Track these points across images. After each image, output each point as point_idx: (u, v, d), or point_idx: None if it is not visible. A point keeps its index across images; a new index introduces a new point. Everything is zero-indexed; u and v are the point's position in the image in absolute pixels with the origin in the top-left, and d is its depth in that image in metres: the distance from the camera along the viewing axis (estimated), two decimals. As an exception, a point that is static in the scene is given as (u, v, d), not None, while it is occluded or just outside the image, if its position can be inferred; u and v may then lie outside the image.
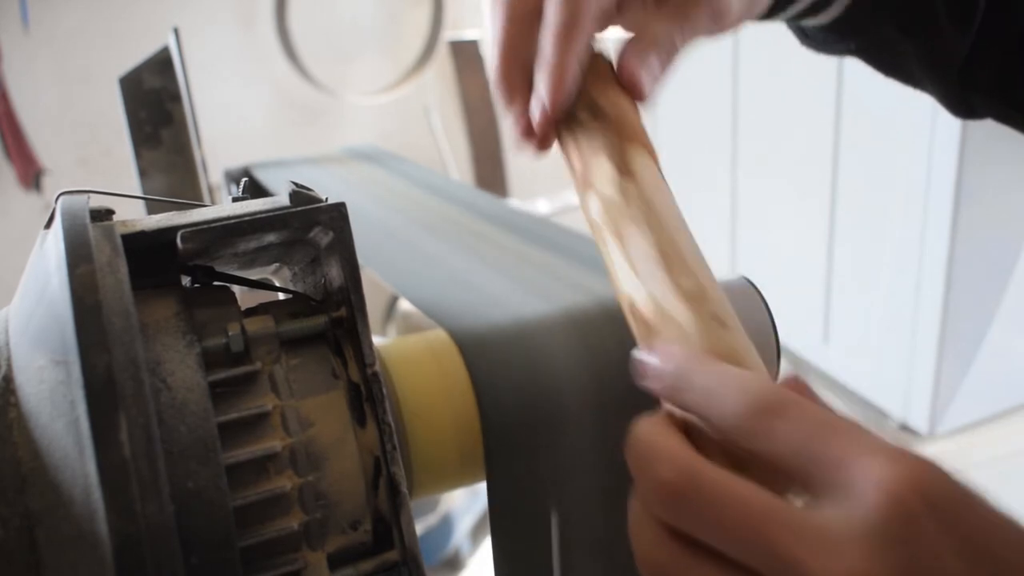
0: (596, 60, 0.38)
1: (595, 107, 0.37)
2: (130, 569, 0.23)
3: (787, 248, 1.44)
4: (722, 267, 1.58)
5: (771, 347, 0.39)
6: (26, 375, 0.27)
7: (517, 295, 0.40)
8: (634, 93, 0.37)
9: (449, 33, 2.31)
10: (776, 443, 0.23)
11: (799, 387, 0.26)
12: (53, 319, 0.26)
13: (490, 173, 2.43)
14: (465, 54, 2.37)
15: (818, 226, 1.34)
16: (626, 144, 0.35)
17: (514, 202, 2.15)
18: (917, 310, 1.20)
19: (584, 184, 0.36)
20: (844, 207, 1.30)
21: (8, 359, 0.28)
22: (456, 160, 2.36)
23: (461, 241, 0.49)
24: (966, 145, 1.10)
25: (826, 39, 0.49)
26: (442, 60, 2.35)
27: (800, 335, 1.42)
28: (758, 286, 0.41)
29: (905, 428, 1.26)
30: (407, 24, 2.29)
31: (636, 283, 0.32)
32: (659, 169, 0.35)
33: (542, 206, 2.25)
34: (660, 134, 1.75)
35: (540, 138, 0.37)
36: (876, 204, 1.24)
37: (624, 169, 0.35)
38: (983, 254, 1.17)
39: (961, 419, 1.25)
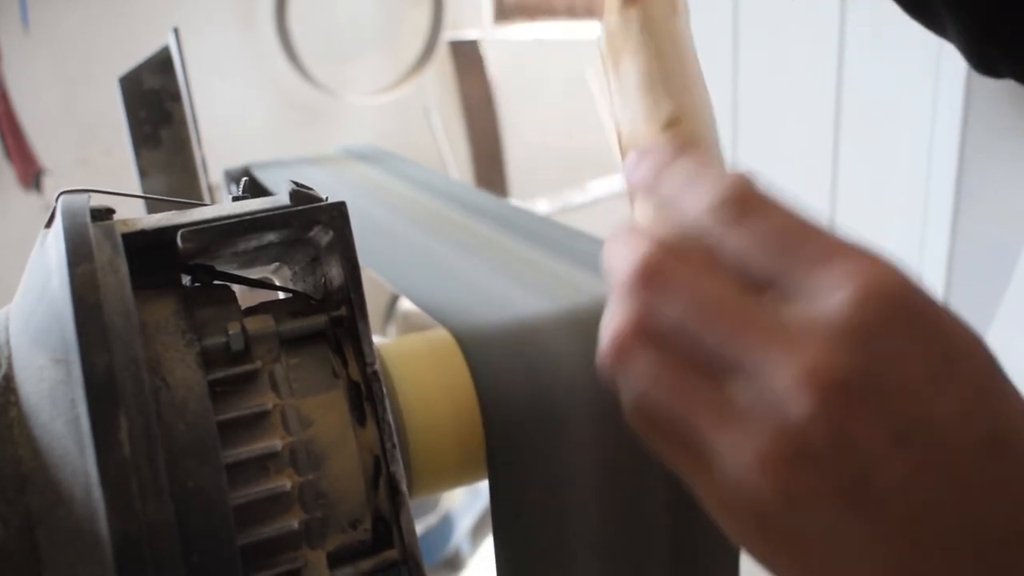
0: None
1: None
2: (130, 568, 0.23)
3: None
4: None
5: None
6: (26, 374, 0.27)
7: (518, 294, 0.40)
8: None
9: (449, 33, 2.31)
10: (746, 239, 0.22)
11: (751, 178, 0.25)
12: (53, 318, 0.26)
13: (490, 173, 2.44)
14: (465, 54, 2.37)
15: (818, 226, 1.34)
16: None
17: (514, 202, 2.15)
18: (917, 310, 1.20)
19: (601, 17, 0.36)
20: (844, 206, 1.30)
21: (8, 358, 0.28)
22: (456, 160, 2.36)
23: (461, 240, 0.49)
24: (966, 144, 1.10)
25: None
26: (442, 60, 2.35)
27: (800, 335, 1.42)
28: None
29: (905, 428, 1.26)
30: (407, 24, 2.30)
31: (620, 111, 0.32)
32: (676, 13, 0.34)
33: (542, 206, 2.25)
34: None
35: None
36: (876, 203, 1.24)
37: None
38: (983, 254, 1.17)
39: (961, 419, 1.25)
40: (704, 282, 0.23)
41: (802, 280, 0.22)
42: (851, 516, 0.21)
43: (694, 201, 0.24)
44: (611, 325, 0.24)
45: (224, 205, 0.32)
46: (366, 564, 0.31)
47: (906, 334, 0.21)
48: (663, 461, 0.25)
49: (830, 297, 0.21)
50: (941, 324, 0.21)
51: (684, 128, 0.30)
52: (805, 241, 0.22)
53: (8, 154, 1.86)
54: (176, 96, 0.67)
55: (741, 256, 0.23)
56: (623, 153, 0.31)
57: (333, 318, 0.32)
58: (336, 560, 0.30)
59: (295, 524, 0.29)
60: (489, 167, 2.43)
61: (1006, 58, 0.49)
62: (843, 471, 0.20)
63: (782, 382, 0.21)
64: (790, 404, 0.20)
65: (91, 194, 0.31)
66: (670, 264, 0.23)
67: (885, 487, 0.20)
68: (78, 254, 0.26)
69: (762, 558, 0.23)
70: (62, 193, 0.30)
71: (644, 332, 0.23)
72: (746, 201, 0.23)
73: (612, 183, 2.32)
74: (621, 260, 0.24)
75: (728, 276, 0.23)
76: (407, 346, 0.36)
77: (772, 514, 0.21)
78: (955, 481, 0.20)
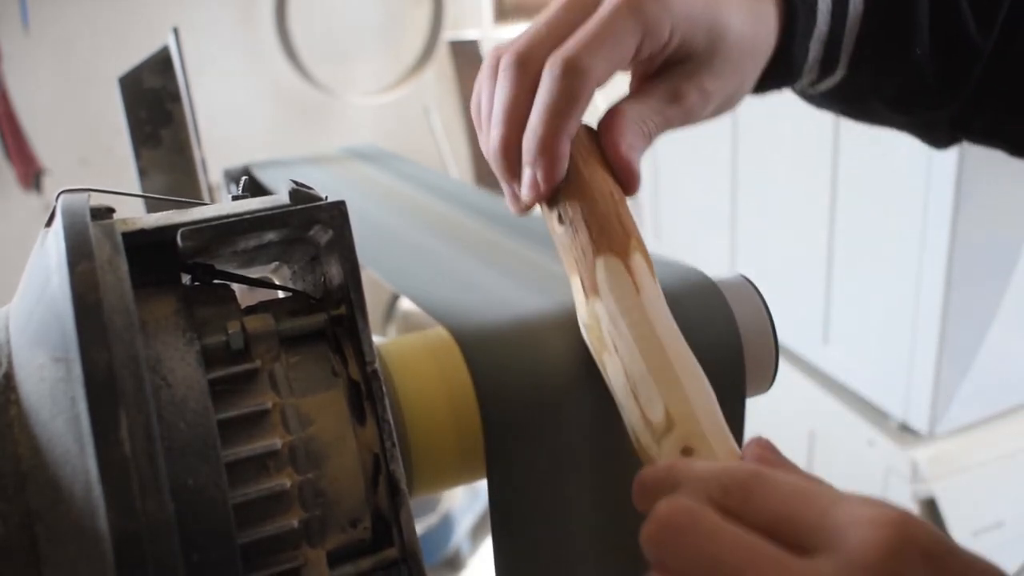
0: (579, 132, 0.38)
1: (577, 190, 0.36)
2: (130, 566, 0.23)
3: (787, 248, 1.44)
4: (722, 267, 1.59)
5: (770, 347, 0.39)
6: (26, 372, 0.27)
7: (517, 293, 0.40)
8: (629, 184, 0.37)
9: (449, 33, 2.31)
10: (757, 516, 0.24)
11: (764, 447, 0.27)
12: (54, 316, 0.26)
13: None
14: (465, 54, 2.37)
15: (818, 226, 1.34)
16: (597, 252, 0.35)
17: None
18: (917, 310, 1.20)
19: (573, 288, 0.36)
20: (844, 207, 1.30)
21: (9, 356, 0.28)
22: (456, 160, 2.36)
23: (461, 240, 0.49)
24: (966, 144, 1.10)
25: (809, 99, 0.49)
26: (442, 60, 2.35)
27: (800, 335, 1.42)
28: (756, 285, 0.41)
29: (905, 428, 1.26)
30: (407, 24, 2.30)
31: (623, 414, 0.33)
32: (631, 272, 0.35)
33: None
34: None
35: (529, 207, 0.38)
36: (876, 204, 1.24)
37: (592, 288, 0.34)
38: (983, 254, 1.17)
39: (961, 419, 1.25)
40: (737, 532, 0.24)
41: (819, 532, 0.23)
42: None
43: (704, 499, 0.25)
44: None
45: (224, 204, 0.32)
46: (366, 563, 0.31)
47: (930, 571, 0.22)
48: None
49: (853, 541, 0.22)
50: (958, 560, 0.22)
51: (676, 434, 0.30)
52: (808, 498, 0.24)
53: (8, 154, 1.86)
54: (176, 96, 0.67)
55: (760, 531, 0.24)
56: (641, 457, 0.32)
57: (333, 317, 0.32)
58: (336, 559, 0.30)
59: (295, 523, 0.29)
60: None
61: (970, 139, 0.50)
62: None
63: None
64: None
65: (91, 193, 0.31)
66: (695, 521, 0.24)
67: None
68: (78, 253, 0.26)
69: None
70: (62, 192, 0.30)
71: None
72: (745, 487, 0.25)
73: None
74: (653, 518, 0.25)
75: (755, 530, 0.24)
76: (407, 345, 0.36)
77: None
78: None
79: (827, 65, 0.44)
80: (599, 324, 0.34)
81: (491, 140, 0.37)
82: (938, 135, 0.50)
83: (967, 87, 0.46)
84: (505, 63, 0.36)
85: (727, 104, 0.41)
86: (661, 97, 0.38)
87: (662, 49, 0.37)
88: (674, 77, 0.38)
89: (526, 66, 0.36)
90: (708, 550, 0.23)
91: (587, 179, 0.36)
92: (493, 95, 0.37)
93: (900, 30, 0.43)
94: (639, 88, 0.39)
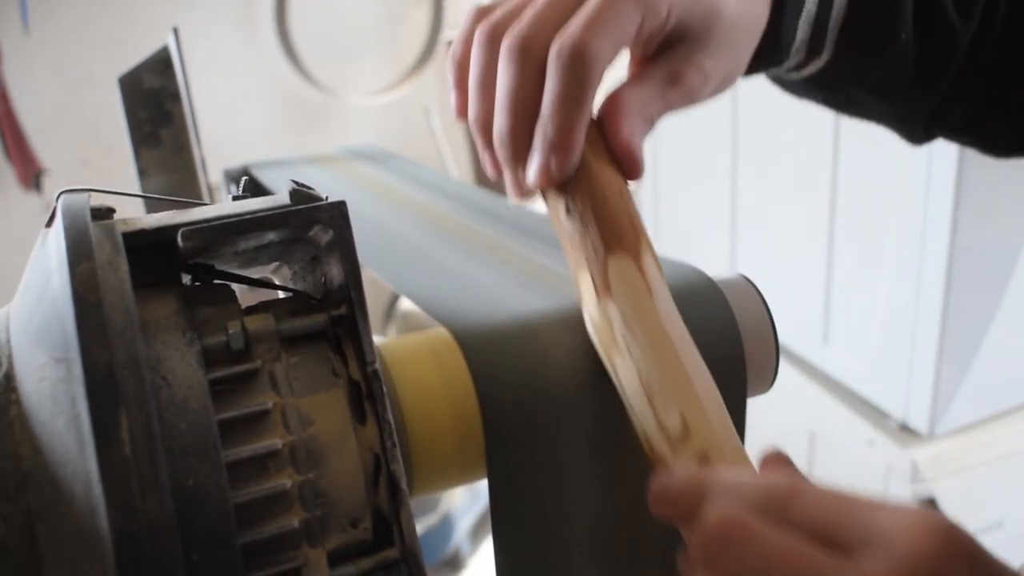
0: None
1: (586, 181, 0.36)
2: (131, 566, 0.23)
3: (787, 248, 1.44)
4: (722, 267, 1.59)
5: (770, 347, 0.39)
6: (27, 372, 0.27)
7: (518, 293, 0.40)
8: (632, 170, 0.37)
9: (449, 33, 2.31)
10: (800, 526, 0.25)
11: (780, 459, 0.28)
12: (54, 317, 0.26)
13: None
14: (465, 54, 2.37)
15: (818, 226, 1.34)
16: (609, 252, 0.34)
17: (514, 201, 2.15)
18: (917, 310, 1.20)
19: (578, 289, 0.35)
20: (844, 207, 1.30)
21: (9, 357, 0.28)
22: (456, 160, 2.36)
23: (461, 240, 0.49)
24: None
25: (792, 87, 0.50)
26: (442, 60, 2.34)
27: (800, 335, 1.42)
28: (756, 285, 0.41)
29: (905, 428, 1.26)
30: (407, 24, 2.30)
31: (633, 417, 0.32)
32: (643, 272, 0.34)
33: (542, 205, 2.24)
34: (660, 133, 1.76)
35: (533, 193, 0.38)
36: (876, 204, 1.24)
37: (604, 288, 0.34)
38: (983, 254, 1.17)
39: (961, 419, 1.25)
40: (782, 538, 0.24)
41: (862, 534, 0.24)
42: None
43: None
44: None
45: (224, 204, 0.32)
46: (366, 563, 0.31)
47: (964, 564, 0.23)
48: None
49: (896, 542, 0.23)
50: (994, 562, 0.23)
51: (691, 443, 0.30)
52: (847, 503, 0.24)
53: (8, 154, 1.86)
54: (176, 96, 0.67)
55: (804, 524, 0.25)
56: (649, 461, 0.32)
57: (333, 317, 0.32)
58: (336, 559, 0.30)
59: (295, 523, 0.29)
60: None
61: (948, 137, 0.51)
62: None
63: None
64: None
65: (91, 193, 0.31)
66: (743, 530, 0.25)
67: None
68: (78, 253, 0.26)
69: None
70: (62, 193, 0.30)
71: None
72: (783, 498, 0.25)
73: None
74: (699, 526, 0.25)
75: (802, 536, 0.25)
76: (407, 345, 0.36)
77: None
78: None
79: (813, 47, 0.44)
80: (611, 326, 0.33)
81: (498, 127, 0.37)
82: (915, 128, 0.51)
83: (947, 76, 0.47)
84: (508, 48, 0.36)
85: (724, 84, 0.41)
86: (661, 80, 0.38)
87: (661, 27, 0.37)
88: (672, 59, 0.38)
89: (530, 52, 0.35)
90: (761, 559, 0.24)
91: (596, 173, 0.36)
92: (482, 67, 0.37)
93: (885, 14, 0.44)
94: (637, 72, 0.39)
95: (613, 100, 0.37)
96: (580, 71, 0.34)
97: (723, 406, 0.32)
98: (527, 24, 0.36)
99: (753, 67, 0.44)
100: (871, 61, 0.45)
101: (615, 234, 0.35)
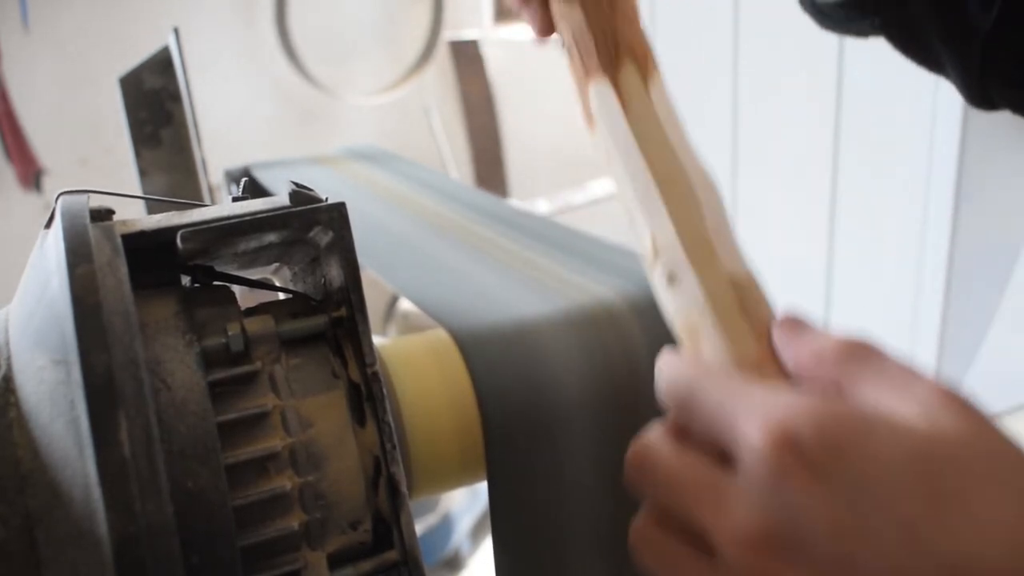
0: None
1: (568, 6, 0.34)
2: (130, 568, 0.23)
3: (787, 248, 1.44)
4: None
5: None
6: (26, 375, 0.27)
7: (518, 294, 0.40)
8: None
9: (449, 33, 2.30)
10: (697, 420, 0.25)
11: (792, 321, 0.27)
12: (53, 319, 0.26)
13: (490, 173, 2.43)
14: (465, 54, 2.37)
15: (818, 225, 1.34)
16: (588, 77, 0.33)
17: (514, 202, 2.15)
18: (917, 310, 1.20)
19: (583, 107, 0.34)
20: (844, 206, 1.30)
21: (8, 359, 0.28)
22: (456, 160, 2.36)
23: (461, 241, 0.49)
24: (966, 143, 1.10)
25: (847, 16, 0.47)
26: (442, 60, 2.35)
27: (800, 335, 1.42)
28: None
29: (905, 428, 1.26)
30: (407, 24, 2.29)
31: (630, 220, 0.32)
32: (619, 89, 0.33)
33: (542, 206, 2.24)
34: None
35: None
36: (876, 203, 1.24)
37: (588, 118, 0.33)
38: (983, 254, 1.16)
39: (961, 419, 1.25)
40: (672, 461, 0.25)
41: (733, 444, 0.24)
42: None
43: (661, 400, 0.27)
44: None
45: (224, 206, 0.32)
46: (366, 565, 0.31)
47: (810, 482, 0.21)
48: None
49: (746, 456, 0.23)
50: (854, 467, 0.22)
51: (663, 258, 0.29)
52: (732, 406, 0.24)
53: (8, 154, 1.86)
54: (176, 96, 0.67)
55: (702, 435, 0.25)
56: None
57: (333, 319, 0.32)
58: (336, 561, 0.30)
59: (295, 525, 0.29)
60: (489, 167, 2.43)
61: (1005, 87, 0.48)
62: None
63: (720, 543, 0.23)
64: (729, 561, 0.23)
65: (91, 194, 0.31)
66: (648, 458, 0.26)
67: None
68: (77, 255, 0.26)
69: None
70: (62, 194, 0.30)
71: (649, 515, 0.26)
72: (688, 388, 0.26)
73: (611, 184, 2.32)
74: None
75: (698, 452, 0.25)
76: (407, 346, 0.36)
77: None
78: None
79: None
80: (601, 153, 0.33)
81: None
82: (971, 75, 0.47)
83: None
84: None
85: None
86: None
87: None
88: None
89: None
90: (665, 485, 0.25)
91: None
92: None
93: None
94: None
95: None
96: None
97: (710, 216, 0.30)
98: None
99: None
100: None
101: (591, 57, 0.34)
